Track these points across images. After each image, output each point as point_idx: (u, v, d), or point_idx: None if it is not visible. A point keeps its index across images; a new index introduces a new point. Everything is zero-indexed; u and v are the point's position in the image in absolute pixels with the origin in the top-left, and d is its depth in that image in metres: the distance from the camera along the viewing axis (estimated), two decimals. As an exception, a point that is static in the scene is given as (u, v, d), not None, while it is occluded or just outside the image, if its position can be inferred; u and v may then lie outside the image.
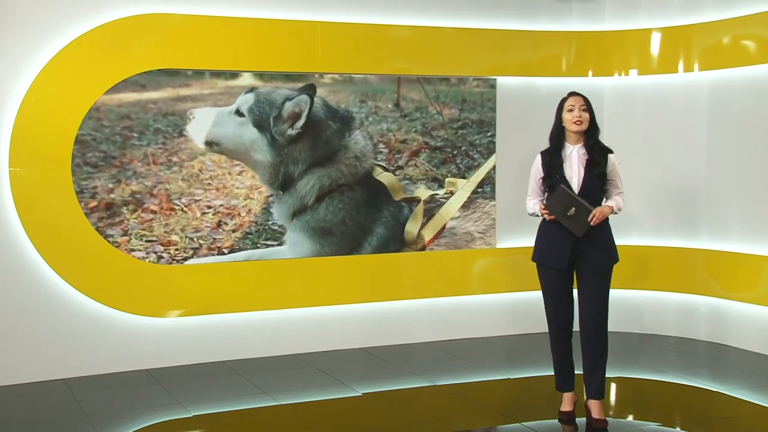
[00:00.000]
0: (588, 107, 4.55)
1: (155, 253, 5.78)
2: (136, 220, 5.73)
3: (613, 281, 4.66)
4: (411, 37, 6.38)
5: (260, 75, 6.00)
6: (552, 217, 4.48)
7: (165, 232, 5.80)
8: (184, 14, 5.75)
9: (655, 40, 6.69)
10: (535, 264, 4.70)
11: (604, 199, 4.64)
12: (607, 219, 4.59)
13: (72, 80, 5.51)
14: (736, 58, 6.23)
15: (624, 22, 6.77)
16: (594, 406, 4.62)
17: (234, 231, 5.99)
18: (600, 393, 4.62)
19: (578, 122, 4.51)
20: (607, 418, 4.65)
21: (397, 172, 6.41)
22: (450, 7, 6.47)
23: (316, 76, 6.15)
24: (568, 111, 4.55)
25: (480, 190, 6.63)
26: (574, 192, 4.47)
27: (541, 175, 4.62)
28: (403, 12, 6.34)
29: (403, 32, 6.36)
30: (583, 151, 4.56)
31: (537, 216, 4.65)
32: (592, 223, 4.44)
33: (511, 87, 6.71)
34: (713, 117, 6.45)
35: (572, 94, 4.60)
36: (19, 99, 5.40)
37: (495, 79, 6.64)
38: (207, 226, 5.91)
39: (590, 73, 6.85)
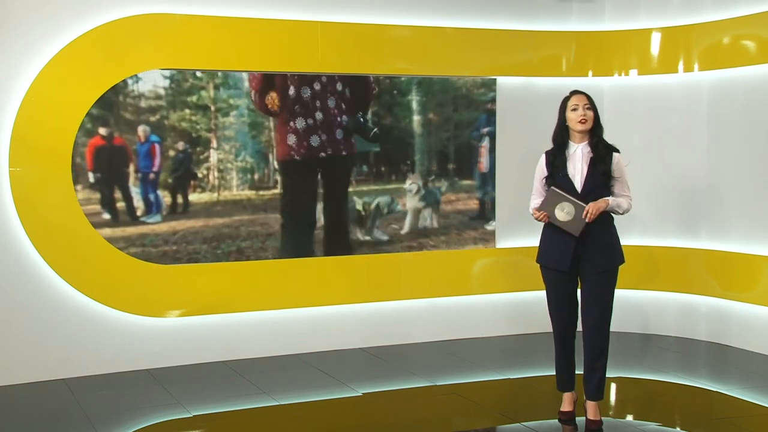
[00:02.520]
0: (592, 105, 4.54)
1: None
2: None
3: (613, 281, 4.66)
4: (411, 37, 6.38)
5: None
6: (545, 219, 4.46)
7: None
8: (184, 14, 5.75)
9: (655, 40, 6.69)
10: (539, 265, 4.69)
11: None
12: (611, 220, 4.58)
13: (72, 80, 5.51)
14: (736, 58, 6.23)
15: (624, 22, 6.77)
16: (590, 407, 4.62)
17: None
18: (597, 394, 4.61)
19: (583, 121, 4.50)
20: (608, 418, 4.66)
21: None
22: (450, 7, 6.47)
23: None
24: (572, 110, 4.53)
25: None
26: (564, 192, 4.43)
27: (545, 174, 4.61)
28: (403, 12, 6.34)
29: (403, 32, 6.36)
30: (588, 149, 4.55)
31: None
32: (587, 220, 4.42)
33: (511, 87, 6.71)
34: (713, 117, 6.45)
35: (575, 92, 4.59)
36: (19, 99, 5.40)
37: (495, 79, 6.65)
38: None
39: (590, 73, 6.85)
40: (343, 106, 6.08)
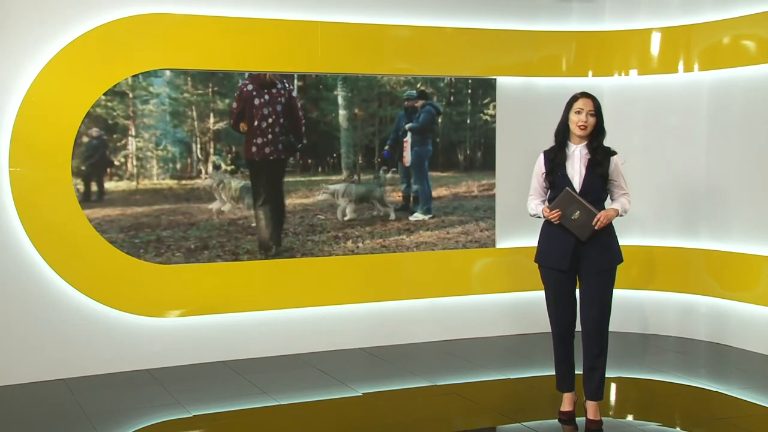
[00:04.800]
0: (597, 112, 4.52)
1: None
2: None
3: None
4: (411, 37, 6.38)
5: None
6: (557, 219, 4.47)
7: None
8: (184, 14, 5.76)
9: (655, 40, 6.70)
10: (537, 264, 4.70)
11: (609, 200, 4.63)
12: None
13: (72, 80, 5.51)
14: (736, 58, 6.23)
15: (624, 22, 6.77)
16: (590, 407, 4.62)
17: None
18: (597, 394, 4.61)
19: (583, 127, 4.50)
20: (608, 418, 4.66)
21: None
22: (450, 7, 6.47)
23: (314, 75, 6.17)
24: (575, 113, 4.53)
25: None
26: (578, 194, 4.46)
27: (543, 171, 4.61)
28: (403, 12, 6.34)
29: (403, 32, 6.36)
30: (586, 151, 4.56)
31: (539, 217, 4.64)
32: (596, 227, 4.44)
33: (511, 87, 6.71)
34: (713, 117, 6.45)
35: (583, 95, 4.56)
36: (19, 99, 5.40)
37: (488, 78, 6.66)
38: None
39: (590, 73, 6.85)
40: (283, 130, 6.14)
